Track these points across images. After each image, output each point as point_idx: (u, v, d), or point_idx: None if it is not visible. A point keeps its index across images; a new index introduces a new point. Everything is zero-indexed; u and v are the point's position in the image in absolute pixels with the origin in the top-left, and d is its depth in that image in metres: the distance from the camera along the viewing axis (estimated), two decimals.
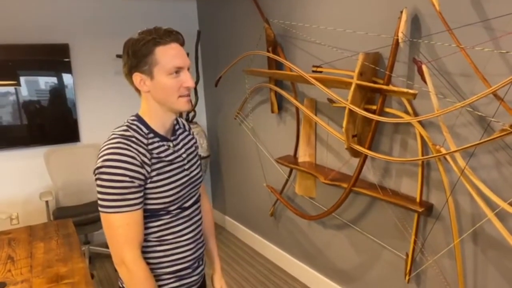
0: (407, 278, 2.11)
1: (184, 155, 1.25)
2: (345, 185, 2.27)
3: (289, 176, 2.99)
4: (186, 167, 1.24)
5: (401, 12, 1.83)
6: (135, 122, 1.17)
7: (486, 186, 1.59)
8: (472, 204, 1.77)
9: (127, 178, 1.07)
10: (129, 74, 1.16)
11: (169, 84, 1.13)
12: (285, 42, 2.80)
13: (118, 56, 3.66)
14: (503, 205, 1.51)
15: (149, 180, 1.12)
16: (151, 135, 1.16)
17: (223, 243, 3.83)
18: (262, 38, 2.94)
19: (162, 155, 1.16)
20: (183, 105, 1.16)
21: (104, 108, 3.80)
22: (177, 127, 1.30)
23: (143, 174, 1.10)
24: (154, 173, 1.13)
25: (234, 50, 3.44)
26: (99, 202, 1.09)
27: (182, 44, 1.17)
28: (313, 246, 2.92)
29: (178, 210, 1.21)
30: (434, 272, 2.00)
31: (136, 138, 1.12)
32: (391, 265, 2.27)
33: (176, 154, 1.21)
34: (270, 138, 3.19)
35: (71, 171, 3.58)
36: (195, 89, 4.03)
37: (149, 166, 1.12)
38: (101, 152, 1.10)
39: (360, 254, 2.50)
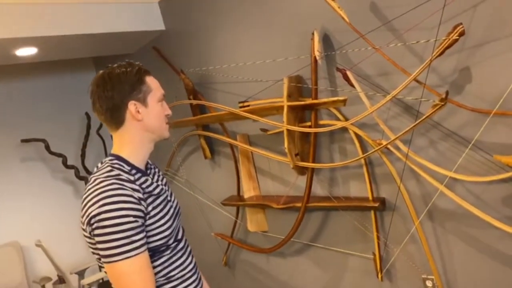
0: (379, 276, 2.18)
1: (163, 187, 1.20)
2: (299, 205, 2.32)
3: (237, 217, 2.96)
4: (169, 198, 1.20)
5: (313, 33, 2.02)
6: (115, 161, 1.10)
7: (430, 163, 1.76)
8: (419, 186, 1.93)
9: (131, 218, 0.99)
10: (120, 105, 1.11)
11: (160, 111, 1.16)
12: (204, 88, 2.87)
13: (24, 140, 3.39)
14: (450, 174, 1.68)
15: (147, 216, 1.06)
16: (134, 171, 1.11)
17: None
18: (180, 90, 2.98)
19: (150, 188, 1.11)
20: (167, 132, 1.19)
21: (15, 201, 3.45)
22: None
23: (142, 211, 1.03)
24: (150, 208, 1.07)
25: None
26: (103, 252, 0.98)
27: None
28: (276, 281, 2.87)
29: (175, 243, 1.15)
30: (402, 261, 2.10)
31: (125, 176, 1.06)
32: (361, 270, 2.33)
33: (159, 187, 1.16)
34: (208, 184, 3.16)
35: None
36: None
37: (144, 201, 1.06)
38: (91, 198, 1.00)
39: (327, 270, 2.52)
